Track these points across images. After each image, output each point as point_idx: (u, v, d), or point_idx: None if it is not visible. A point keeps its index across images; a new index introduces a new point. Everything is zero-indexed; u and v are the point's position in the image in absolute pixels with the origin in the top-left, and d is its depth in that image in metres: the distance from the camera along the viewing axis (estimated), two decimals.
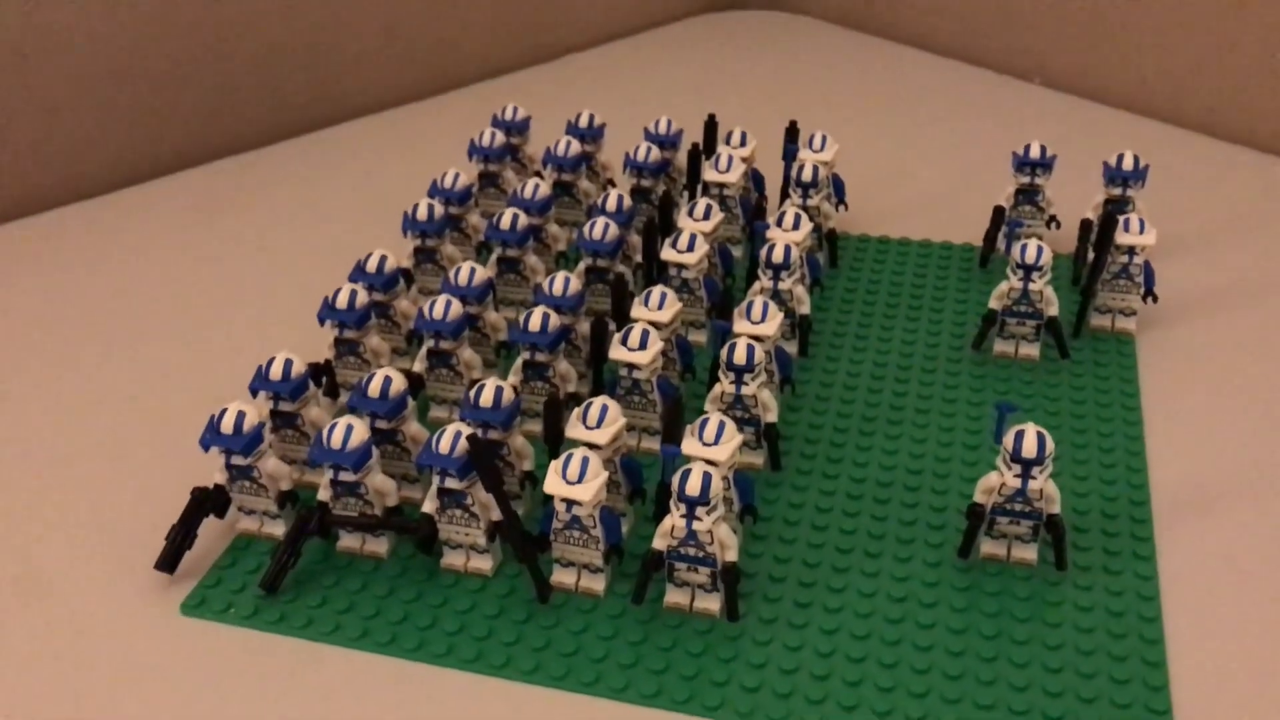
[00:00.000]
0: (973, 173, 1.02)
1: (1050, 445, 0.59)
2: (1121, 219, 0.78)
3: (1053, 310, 0.76)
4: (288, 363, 0.66)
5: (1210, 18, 1.07)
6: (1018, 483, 0.59)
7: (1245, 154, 1.05)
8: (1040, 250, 0.74)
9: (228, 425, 0.61)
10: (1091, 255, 0.79)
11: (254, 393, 0.66)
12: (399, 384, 0.64)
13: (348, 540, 0.64)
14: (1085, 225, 0.85)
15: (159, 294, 0.90)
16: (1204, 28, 1.08)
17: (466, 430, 0.59)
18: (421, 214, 0.81)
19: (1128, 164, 0.84)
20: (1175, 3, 1.09)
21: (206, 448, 0.62)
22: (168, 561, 0.63)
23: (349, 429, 0.60)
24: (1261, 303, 0.84)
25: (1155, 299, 0.80)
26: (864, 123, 1.14)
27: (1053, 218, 0.88)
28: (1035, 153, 0.86)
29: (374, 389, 0.64)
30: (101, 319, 0.88)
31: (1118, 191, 0.85)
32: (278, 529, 0.65)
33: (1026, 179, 0.86)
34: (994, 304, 0.77)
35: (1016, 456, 0.59)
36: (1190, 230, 0.92)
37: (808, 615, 0.60)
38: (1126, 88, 1.15)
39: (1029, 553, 0.62)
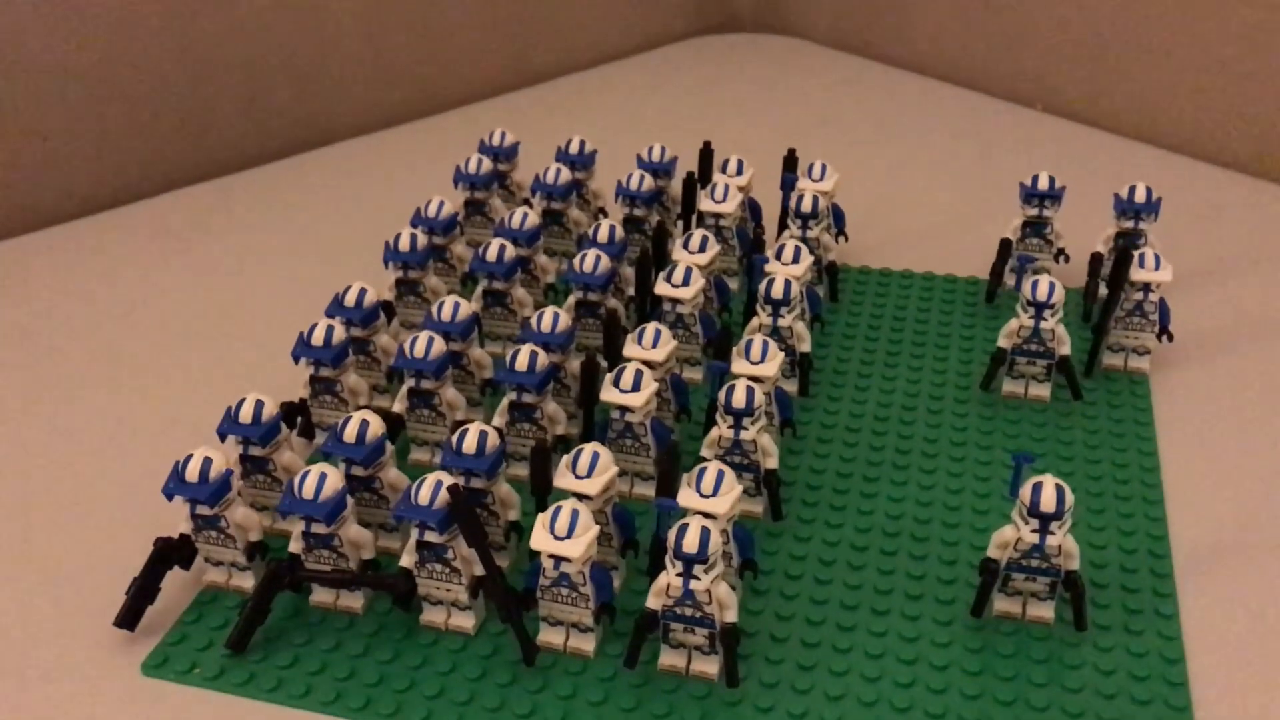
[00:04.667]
0: (976, 202, 0.99)
1: (1070, 499, 0.55)
2: (1136, 254, 0.74)
3: (1065, 349, 0.73)
4: (258, 405, 0.62)
5: (1221, 44, 1.04)
6: (1035, 538, 0.56)
7: (1259, 185, 1.02)
8: (1052, 287, 0.71)
9: (192, 473, 0.58)
10: (1104, 291, 0.76)
11: (222, 437, 0.62)
12: (376, 428, 0.60)
13: (321, 594, 0.60)
14: (1095, 259, 0.82)
15: (125, 327, 0.86)
16: (1215, 54, 1.05)
17: (447, 480, 0.55)
18: (404, 244, 0.77)
19: (1140, 196, 0.81)
20: (1183, 28, 1.06)
21: (170, 497, 0.58)
22: (128, 618, 0.59)
23: (322, 477, 0.56)
24: None
25: (1171, 337, 0.76)
26: (863, 149, 1.11)
27: (1061, 250, 0.85)
28: (1044, 184, 0.82)
29: (349, 433, 0.60)
30: (63, 354, 0.83)
31: (1129, 224, 0.82)
32: (246, 581, 0.61)
33: (1034, 211, 0.83)
34: (1003, 342, 0.74)
35: (1034, 511, 0.55)
36: (1204, 263, 0.89)
37: (812, 679, 0.56)
38: (1133, 115, 1.12)
39: (1046, 611, 0.59)
